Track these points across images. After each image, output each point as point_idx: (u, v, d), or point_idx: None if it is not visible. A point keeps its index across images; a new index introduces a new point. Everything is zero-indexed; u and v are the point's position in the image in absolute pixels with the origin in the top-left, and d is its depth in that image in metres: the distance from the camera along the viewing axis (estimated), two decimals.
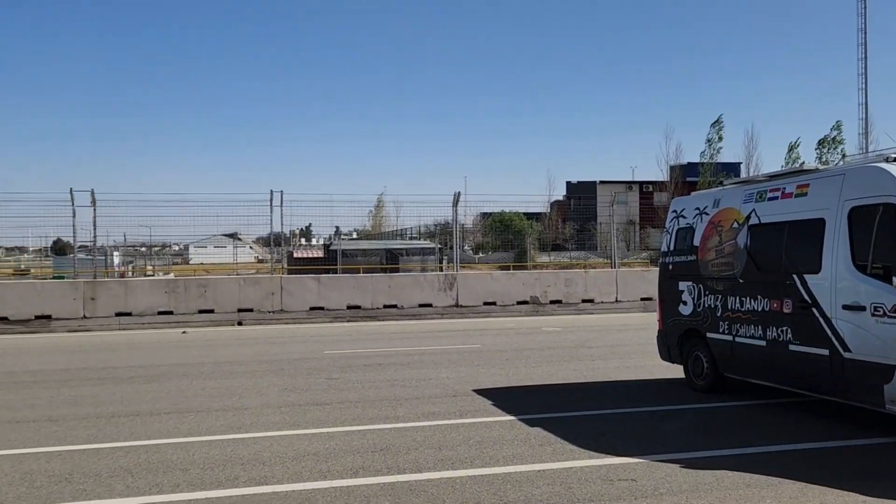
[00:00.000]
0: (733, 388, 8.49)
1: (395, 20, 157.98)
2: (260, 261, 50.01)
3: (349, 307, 19.17)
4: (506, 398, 8.44)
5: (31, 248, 55.89)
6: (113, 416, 7.77)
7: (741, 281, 7.85)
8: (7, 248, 55.74)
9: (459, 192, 20.99)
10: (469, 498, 4.94)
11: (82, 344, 14.71)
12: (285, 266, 22.87)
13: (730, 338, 8.00)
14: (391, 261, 31.98)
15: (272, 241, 21.55)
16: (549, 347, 13.23)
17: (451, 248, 25.78)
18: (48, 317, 17.18)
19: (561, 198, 64.70)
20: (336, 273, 24.06)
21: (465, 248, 43.34)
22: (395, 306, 19.42)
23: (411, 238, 41.88)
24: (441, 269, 29.38)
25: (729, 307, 8.04)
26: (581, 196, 58.80)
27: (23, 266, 48.07)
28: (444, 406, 8.05)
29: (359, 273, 22.13)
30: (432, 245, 35.60)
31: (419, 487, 5.20)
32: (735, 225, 8.02)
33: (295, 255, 33.84)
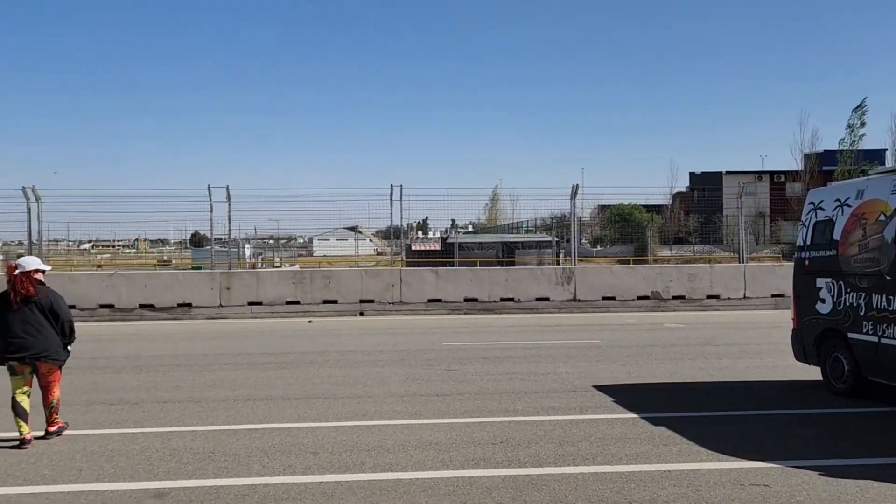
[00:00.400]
0: (877, 393, 7.91)
1: (517, 8, 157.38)
2: (379, 253, 51.34)
3: (466, 300, 19.36)
4: (627, 395, 8.26)
5: (172, 241, 60.20)
6: (248, 399, 8.27)
7: (888, 278, 7.28)
8: (152, 241, 60.35)
9: (578, 185, 20.67)
10: (592, 495, 4.89)
11: (219, 331, 15.72)
12: (404, 258, 23.39)
13: (874, 339, 7.45)
14: (507, 254, 32.02)
15: (392, 233, 22.07)
16: (672, 344, 12.82)
17: (569, 241, 25.48)
18: (189, 305, 18.47)
19: (684, 189, 62.38)
20: (453, 266, 24.39)
21: (583, 241, 42.65)
22: (511, 300, 19.43)
23: (527, 231, 41.72)
24: (558, 263, 29.09)
25: (874, 306, 7.48)
26: (705, 187, 56.44)
27: (165, 257, 51.94)
28: (563, 401, 7.99)
29: (475, 266, 22.31)
30: (549, 238, 35.30)
31: (540, 482, 5.20)
32: (882, 217, 7.45)
33: (413, 247, 34.57)
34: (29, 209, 18.90)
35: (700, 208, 50.21)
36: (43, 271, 6.86)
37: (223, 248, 24.01)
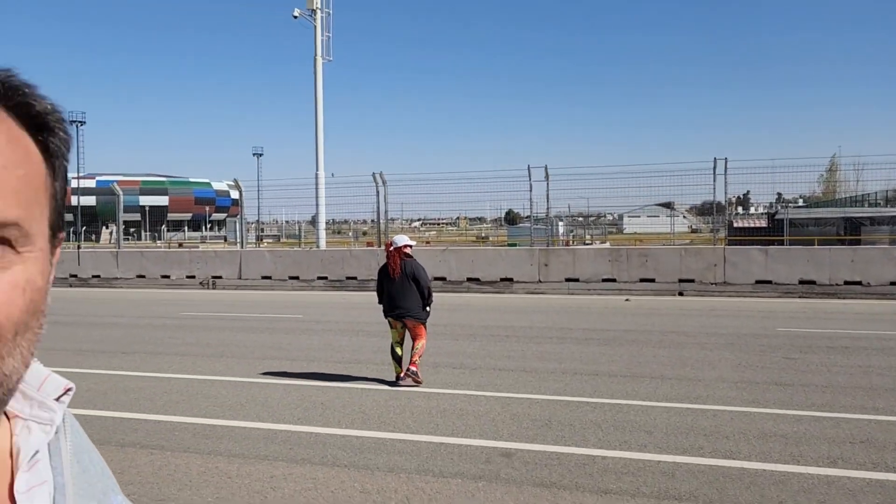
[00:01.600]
0: None
1: None
2: (693, 230, 49.02)
3: (801, 282, 17.60)
4: None
5: (488, 219, 64.29)
6: (576, 373, 8.57)
7: None
8: (470, 219, 65.11)
9: None
10: None
11: (539, 305, 16.45)
12: (726, 236, 22.02)
13: None
14: (851, 231, 28.30)
15: (715, 208, 20.90)
16: None
17: None
18: (510, 279, 19.59)
19: None
20: (783, 244, 22.32)
21: None
22: (859, 283, 17.18)
23: (874, 204, 36.35)
24: None
25: None
26: None
27: (482, 234, 55.63)
28: None
29: (812, 245, 20.13)
30: None
31: None
32: None
33: (735, 224, 32.33)
34: (378, 192, 21.63)
35: None
36: (410, 246, 8.41)
37: (539, 226, 24.98)
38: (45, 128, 0.61)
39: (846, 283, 17.31)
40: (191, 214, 78.51)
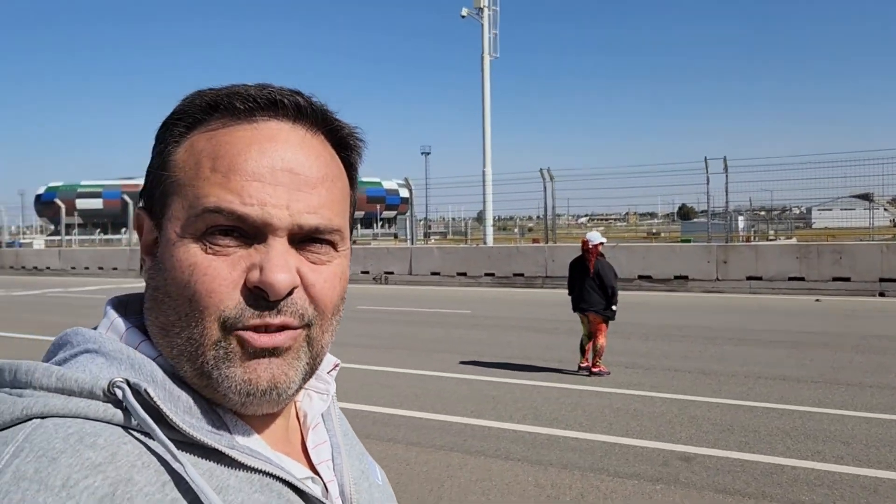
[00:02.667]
0: None
1: None
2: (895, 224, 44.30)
3: None
4: None
5: (659, 214, 62.08)
6: (759, 377, 8.10)
7: None
8: (640, 214, 63.20)
9: None
10: None
11: (716, 304, 15.66)
12: None
13: None
14: None
15: None
16: None
17: None
18: (685, 277, 18.81)
19: None
20: None
21: None
22: None
23: None
24: None
25: None
26: None
27: (654, 230, 53.79)
28: None
29: None
30: None
31: None
32: None
33: None
34: (545, 188, 21.64)
35: None
36: (602, 243, 8.80)
37: (715, 221, 23.74)
38: (347, 147, 0.77)
39: None
40: (363, 213, 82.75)
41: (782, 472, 5.03)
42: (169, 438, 0.60)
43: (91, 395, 0.60)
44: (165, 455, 0.59)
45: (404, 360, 9.40)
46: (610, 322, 8.64)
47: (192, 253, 0.65)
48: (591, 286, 8.55)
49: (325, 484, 0.74)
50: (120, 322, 0.71)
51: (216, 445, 0.62)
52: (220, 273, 0.64)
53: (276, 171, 0.66)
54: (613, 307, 8.56)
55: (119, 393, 0.60)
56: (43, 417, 0.58)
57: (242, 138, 0.67)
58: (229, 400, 0.66)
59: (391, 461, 5.43)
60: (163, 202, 0.69)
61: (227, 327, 0.64)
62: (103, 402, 0.60)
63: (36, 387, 0.61)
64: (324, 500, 0.70)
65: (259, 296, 0.64)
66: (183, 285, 0.65)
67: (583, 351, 8.59)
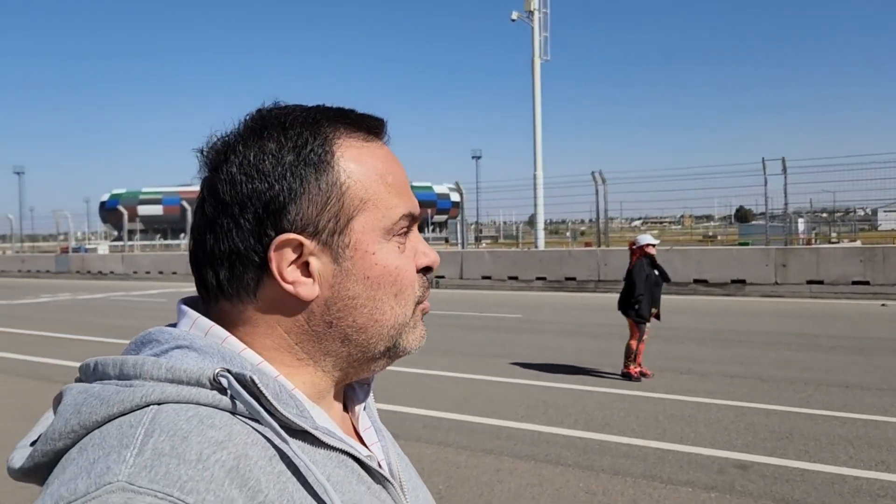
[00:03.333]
0: None
1: None
2: None
3: None
4: None
5: (716, 216, 60.73)
6: (821, 383, 7.86)
7: None
8: (696, 217, 61.89)
9: None
10: None
11: (775, 309, 15.25)
12: None
13: None
14: None
15: None
16: None
17: None
18: (742, 281, 18.37)
19: None
20: None
21: None
22: None
23: None
24: None
25: None
26: None
27: (710, 233, 52.65)
28: None
29: None
30: None
31: None
32: None
33: None
34: (597, 191, 21.44)
35: None
36: (654, 245, 8.83)
37: (774, 224, 23.12)
38: None
39: None
40: None
41: (844, 482, 4.88)
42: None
43: (199, 384, 0.67)
44: (269, 434, 0.67)
45: (455, 364, 9.43)
46: (644, 325, 8.55)
47: (395, 255, 0.79)
48: (625, 287, 8.75)
49: (378, 462, 0.80)
50: (204, 320, 0.76)
51: (306, 427, 0.69)
52: (411, 267, 0.81)
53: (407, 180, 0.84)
54: (637, 306, 8.54)
55: (224, 381, 0.67)
56: (159, 404, 0.65)
57: (386, 156, 0.81)
58: (389, 357, 0.83)
59: (441, 465, 5.46)
60: (342, 222, 0.75)
61: (415, 304, 0.82)
62: (210, 389, 0.67)
63: (146, 378, 0.67)
64: (385, 474, 0.77)
65: (424, 274, 0.84)
66: (391, 283, 0.78)
67: (633, 357, 8.51)
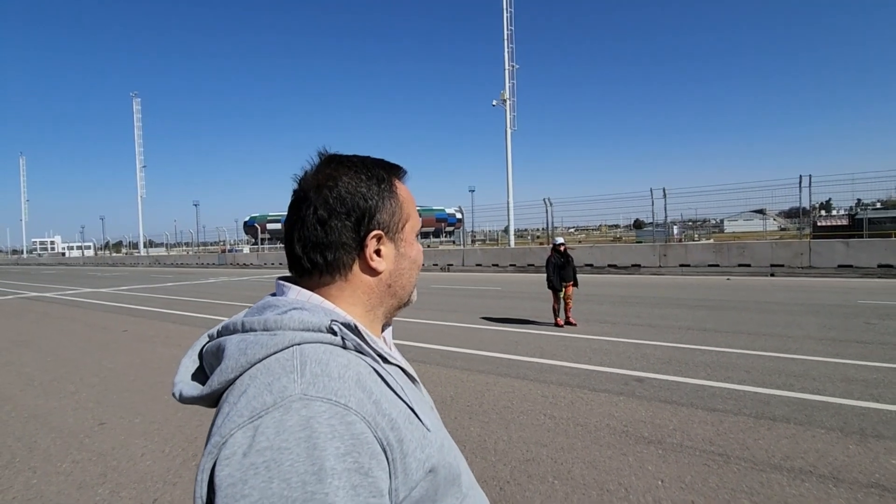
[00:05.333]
0: None
1: None
2: (782, 229, 41.84)
3: (880, 266, 14.33)
4: None
5: (621, 225, 60.14)
6: (689, 329, 7.71)
7: None
8: (609, 225, 61.31)
9: None
10: None
11: (659, 283, 15.01)
12: (811, 233, 18.53)
13: None
14: None
15: (801, 212, 17.74)
16: None
17: None
18: (639, 265, 18.23)
19: None
20: (862, 238, 18.25)
21: None
22: None
23: None
24: None
25: None
26: None
27: (618, 235, 52.17)
28: None
29: (890, 237, 16.27)
30: None
31: None
32: None
33: (818, 224, 27.09)
34: (547, 210, 21.28)
35: None
36: (561, 244, 8.57)
37: (659, 229, 22.85)
38: None
39: None
40: (433, 228, 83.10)
41: (704, 389, 4.81)
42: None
43: (320, 330, 0.67)
44: (367, 359, 0.67)
45: (460, 318, 9.38)
46: (558, 293, 8.41)
47: (418, 246, 0.83)
48: (567, 269, 8.45)
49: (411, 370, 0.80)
50: (304, 290, 0.75)
51: (384, 354, 0.70)
52: (422, 254, 0.84)
53: None
54: (549, 282, 8.45)
55: (336, 328, 0.67)
56: (299, 345, 0.65)
57: (410, 190, 0.83)
58: (406, 305, 0.83)
59: (451, 380, 5.43)
60: (400, 226, 0.79)
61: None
62: (327, 333, 0.67)
63: (286, 329, 0.66)
64: (416, 378, 0.78)
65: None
66: (417, 261, 0.82)
67: (558, 313, 8.37)
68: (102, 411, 4.72)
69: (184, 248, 47.94)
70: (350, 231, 0.74)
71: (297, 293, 0.74)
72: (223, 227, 40.88)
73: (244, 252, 41.07)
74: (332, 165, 0.77)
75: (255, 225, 42.04)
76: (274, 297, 0.73)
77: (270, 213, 79.36)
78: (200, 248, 43.01)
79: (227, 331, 0.70)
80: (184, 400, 0.69)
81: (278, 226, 76.88)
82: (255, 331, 0.67)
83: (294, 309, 0.70)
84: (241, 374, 0.63)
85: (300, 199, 0.76)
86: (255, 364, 0.63)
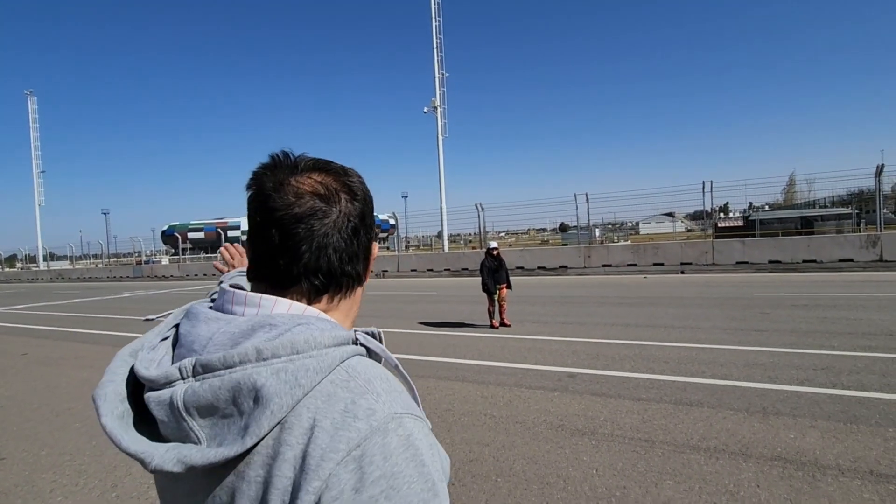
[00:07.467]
0: None
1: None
2: (689, 230, 45.79)
3: (770, 262, 16.07)
4: None
5: (548, 228, 62.74)
6: (613, 324, 8.15)
7: None
8: (537, 229, 63.74)
9: (883, 165, 15.41)
10: None
11: (585, 282, 15.81)
12: (713, 233, 20.39)
13: None
14: (806, 226, 25.42)
15: (705, 215, 19.47)
16: None
17: (869, 212, 19.05)
18: (565, 266, 19.07)
19: None
20: (755, 237, 20.38)
21: (885, 212, 31.41)
22: (813, 261, 15.48)
23: (822, 207, 32.47)
24: (860, 231, 22.02)
25: None
26: None
27: (545, 238, 54.31)
28: (880, 342, 6.13)
29: (778, 236, 18.30)
30: (848, 211, 26.96)
31: (867, 402, 4.13)
32: None
33: (719, 225, 29.85)
34: (479, 215, 21.69)
35: None
36: (494, 248, 8.60)
37: (583, 232, 24.06)
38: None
39: (804, 261, 15.68)
40: None
41: (630, 381, 5.11)
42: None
43: (351, 343, 0.66)
44: (387, 364, 0.69)
45: (398, 324, 9.29)
46: (492, 296, 8.49)
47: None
48: (500, 272, 8.44)
49: None
50: (298, 304, 0.68)
51: (391, 356, 0.71)
52: None
53: None
54: (483, 284, 8.52)
55: (361, 339, 0.67)
56: (343, 362, 0.63)
57: None
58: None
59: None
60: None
61: None
62: (356, 345, 0.66)
63: (322, 347, 0.62)
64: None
65: None
66: (371, 264, 0.80)
67: (493, 315, 8.49)
68: (1, 445, 4.15)
69: (92, 260, 43.63)
70: (366, 237, 0.75)
71: (287, 306, 0.66)
72: (138, 237, 37.78)
73: (163, 263, 38.10)
74: (353, 180, 0.75)
75: (175, 234, 39.18)
76: (268, 316, 0.64)
77: (192, 222, 74.18)
78: (112, 260, 39.38)
79: (225, 365, 0.59)
80: (189, 469, 0.56)
81: (201, 235, 72.06)
82: (280, 357, 0.59)
83: (298, 325, 0.63)
84: (291, 409, 0.57)
85: (317, 209, 0.67)
86: (309, 392, 0.59)
